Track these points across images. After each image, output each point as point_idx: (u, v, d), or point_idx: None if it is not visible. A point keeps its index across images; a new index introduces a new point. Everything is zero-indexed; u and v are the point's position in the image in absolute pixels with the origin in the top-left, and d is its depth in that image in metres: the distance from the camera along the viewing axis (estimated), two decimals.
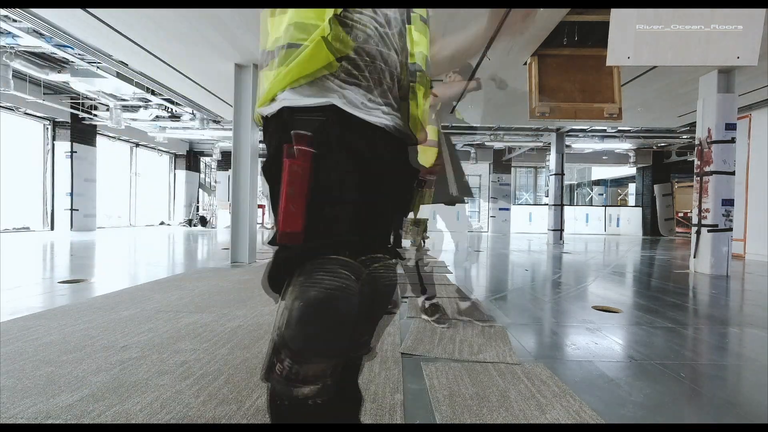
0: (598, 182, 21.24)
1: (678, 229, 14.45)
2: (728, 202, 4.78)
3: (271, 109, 0.76)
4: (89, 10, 3.72)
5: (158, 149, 14.30)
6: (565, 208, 11.30)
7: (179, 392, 1.41)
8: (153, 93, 8.19)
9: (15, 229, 9.39)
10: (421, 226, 2.93)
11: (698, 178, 4.95)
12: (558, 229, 10.04)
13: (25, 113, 9.42)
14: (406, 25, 0.85)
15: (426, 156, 2.44)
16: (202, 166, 17.04)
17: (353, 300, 0.69)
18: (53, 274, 3.95)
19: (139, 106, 9.69)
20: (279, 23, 0.75)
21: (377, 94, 0.79)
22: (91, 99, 9.54)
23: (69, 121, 10.06)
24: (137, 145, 13.46)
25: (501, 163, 14.45)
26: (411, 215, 3.01)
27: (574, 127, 10.16)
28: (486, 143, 12.81)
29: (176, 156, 15.46)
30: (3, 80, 6.85)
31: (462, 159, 12.84)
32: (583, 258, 6.48)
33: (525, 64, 4.56)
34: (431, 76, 0.93)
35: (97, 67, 6.69)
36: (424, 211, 3.26)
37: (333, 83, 0.74)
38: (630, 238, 12.90)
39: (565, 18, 3.62)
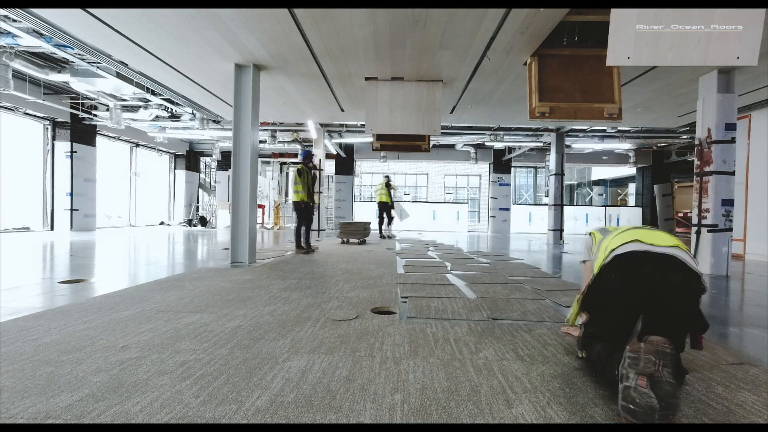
0: (598, 182, 21.24)
1: (678, 229, 14.45)
2: (728, 202, 4.78)
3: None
4: (89, 10, 3.72)
5: (158, 149, 14.30)
6: (565, 208, 11.30)
7: (179, 392, 1.41)
8: (153, 93, 8.19)
9: (15, 229, 9.39)
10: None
11: (698, 178, 4.95)
12: (558, 229, 10.04)
13: (25, 113, 9.42)
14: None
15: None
16: (202, 166, 17.04)
17: None
18: (53, 274, 3.95)
19: (139, 106, 9.70)
20: None
21: None
22: (91, 99, 9.54)
23: (69, 121, 10.06)
24: (137, 145, 13.46)
25: (501, 163, 14.44)
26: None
27: (574, 127, 10.16)
28: (486, 143, 12.80)
29: (176, 156, 15.46)
30: (3, 80, 6.85)
31: (461, 159, 13.88)
32: None
33: (525, 64, 4.56)
34: None
35: (97, 67, 6.69)
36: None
37: None
38: None
39: (565, 18, 3.62)
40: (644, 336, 1.29)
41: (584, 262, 2.02)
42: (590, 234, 2.04)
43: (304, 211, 6.19)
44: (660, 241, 1.58)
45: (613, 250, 1.60)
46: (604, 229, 1.96)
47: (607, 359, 1.45)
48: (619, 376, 1.27)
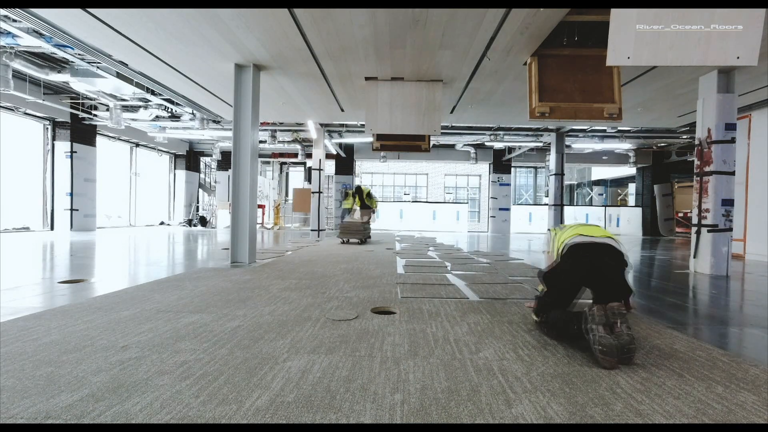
0: (598, 182, 21.24)
1: (678, 229, 14.45)
2: (728, 202, 4.78)
3: None
4: (89, 10, 3.72)
5: (158, 149, 14.30)
6: (565, 208, 11.29)
7: (179, 392, 1.41)
8: (153, 93, 8.19)
9: (15, 229, 9.39)
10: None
11: (698, 178, 4.95)
12: None
13: (25, 113, 9.42)
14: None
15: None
16: (202, 166, 17.04)
17: None
18: (53, 274, 3.95)
19: (139, 106, 9.70)
20: None
21: None
22: (91, 99, 9.54)
23: (69, 121, 10.06)
24: (137, 145, 13.45)
25: (501, 163, 14.44)
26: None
27: (574, 127, 10.16)
28: (486, 143, 12.80)
29: (176, 156, 15.46)
30: (3, 80, 6.85)
31: (461, 159, 14.03)
32: None
33: (525, 64, 4.56)
34: None
35: (97, 67, 6.69)
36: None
37: None
38: (630, 238, 12.90)
39: (565, 18, 3.62)
40: (597, 302, 1.87)
41: (546, 252, 2.69)
42: (549, 230, 2.69)
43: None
44: (597, 233, 2.23)
45: (564, 242, 2.20)
46: (560, 226, 2.58)
47: (566, 321, 1.97)
48: (585, 330, 1.79)
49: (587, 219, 14.87)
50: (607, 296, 1.95)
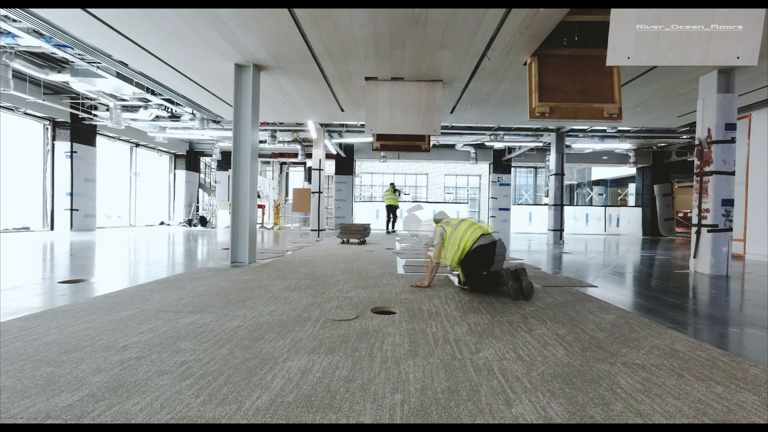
0: (598, 182, 21.24)
1: (678, 229, 14.45)
2: (728, 202, 4.78)
3: None
4: (89, 10, 3.72)
5: (158, 149, 14.30)
6: (565, 208, 11.29)
7: (179, 392, 1.41)
8: (153, 93, 8.19)
9: (15, 229, 9.39)
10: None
11: (698, 178, 4.95)
12: (558, 229, 10.03)
13: (25, 113, 9.42)
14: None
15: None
16: (202, 166, 17.04)
17: None
18: (53, 274, 3.95)
19: (139, 106, 9.70)
20: None
21: None
22: (91, 99, 9.54)
23: (69, 121, 10.06)
24: (137, 145, 13.45)
25: (501, 163, 14.44)
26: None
27: (574, 127, 10.15)
28: (486, 143, 12.80)
29: (176, 156, 15.45)
30: (3, 80, 6.85)
31: (461, 159, 14.09)
32: (583, 258, 6.48)
33: (525, 64, 4.56)
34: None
35: (97, 67, 6.69)
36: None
37: None
38: (630, 238, 12.90)
39: (565, 18, 3.62)
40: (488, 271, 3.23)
41: (436, 243, 3.49)
42: (440, 225, 3.55)
43: (393, 210, 11.78)
44: (489, 230, 3.33)
45: (476, 241, 3.20)
46: (446, 222, 3.58)
47: (483, 283, 3.27)
48: (503, 283, 3.18)
49: (587, 219, 14.89)
50: (495, 268, 3.24)
